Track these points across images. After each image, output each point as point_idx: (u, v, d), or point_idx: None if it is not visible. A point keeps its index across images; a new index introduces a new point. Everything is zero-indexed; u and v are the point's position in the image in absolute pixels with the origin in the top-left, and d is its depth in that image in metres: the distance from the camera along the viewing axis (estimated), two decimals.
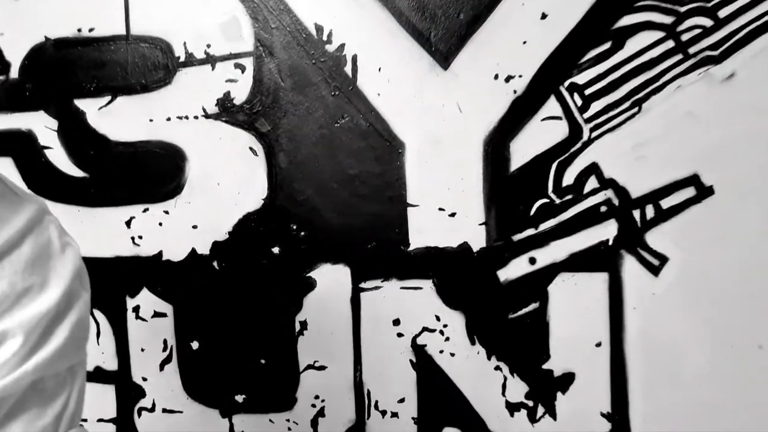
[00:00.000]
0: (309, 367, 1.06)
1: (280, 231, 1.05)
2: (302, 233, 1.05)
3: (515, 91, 1.01)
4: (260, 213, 1.05)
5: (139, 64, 1.06)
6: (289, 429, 1.07)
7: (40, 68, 1.11)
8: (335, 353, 1.06)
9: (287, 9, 1.04)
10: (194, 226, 1.08)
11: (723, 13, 0.97)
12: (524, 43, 1.01)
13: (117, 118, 1.08)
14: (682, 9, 0.98)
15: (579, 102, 1.00)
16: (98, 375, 1.16)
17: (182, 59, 1.06)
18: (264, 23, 1.04)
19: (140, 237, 1.11)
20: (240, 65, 1.04)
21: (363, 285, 1.04)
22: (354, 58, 1.03)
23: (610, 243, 1.01)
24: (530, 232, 1.02)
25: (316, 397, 1.06)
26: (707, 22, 0.98)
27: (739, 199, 0.98)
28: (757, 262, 0.98)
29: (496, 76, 1.01)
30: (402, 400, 1.05)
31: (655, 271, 1.00)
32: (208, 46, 1.05)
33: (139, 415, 1.16)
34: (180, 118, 1.05)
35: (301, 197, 1.04)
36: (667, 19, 0.98)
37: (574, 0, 1.00)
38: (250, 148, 1.05)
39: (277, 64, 1.04)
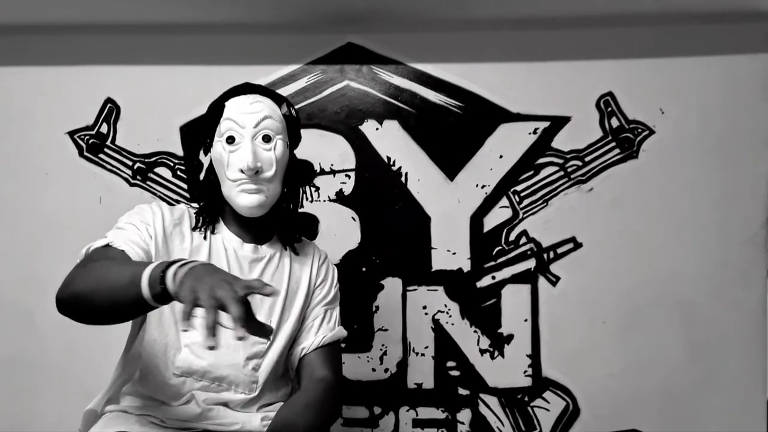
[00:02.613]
0: (379, 329, 2.08)
1: (366, 259, 2.07)
2: (377, 260, 2.08)
3: (486, 193, 2.05)
4: (357, 250, 2.08)
5: (300, 174, 2.09)
6: (368, 360, 2.08)
7: None
8: (393, 323, 2.08)
9: (371, 147, 2.07)
10: None
11: (588, 158, 2.01)
12: (491, 169, 2.05)
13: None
14: (567, 155, 2.02)
15: (517, 200, 2.04)
16: None
17: (318, 170, 2.09)
18: (360, 154, 2.07)
19: None
20: (348, 175, 2.08)
21: (408, 288, 2.07)
22: (406, 174, 2.06)
23: (532, 270, 2.04)
24: (492, 263, 2.05)
25: (383, 345, 2.08)
26: (579, 163, 2.01)
27: (596, 250, 2.01)
28: (605, 281, 2.01)
29: (476, 185, 2.05)
30: (426, 347, 2.07)
31: (553, 284, 2.03)
32: (332, 164, 2.08)
33: None
34: (318, 200, 2.08)
35: (377, 243, 2.07)
36: (560, 161, 2.02)
37: (516, 149, 2.04)
38: (352, 217, 2.08)
39: (367, 176, 2.07)
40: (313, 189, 2.08)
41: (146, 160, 2.09)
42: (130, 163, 2.10)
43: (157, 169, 2.09)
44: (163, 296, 1.01)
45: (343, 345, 1.51)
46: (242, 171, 1.30)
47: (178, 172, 2.09)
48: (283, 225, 1.46)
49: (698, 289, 2.02)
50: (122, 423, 1.28)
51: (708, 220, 2.02)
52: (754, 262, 2.00)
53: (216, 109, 1.38)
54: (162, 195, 2.09)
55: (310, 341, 1.42)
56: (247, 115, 1.33)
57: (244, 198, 1.32)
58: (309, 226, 2.08)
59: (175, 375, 1.30)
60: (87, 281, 1.10)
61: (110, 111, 2.10)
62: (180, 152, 2.09)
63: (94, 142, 2.10)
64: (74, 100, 2.10)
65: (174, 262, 1.02)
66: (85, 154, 2.10)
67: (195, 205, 1.45)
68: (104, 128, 2.10)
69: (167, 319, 1.31)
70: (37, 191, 2.10)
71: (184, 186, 2.09)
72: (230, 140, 1.32)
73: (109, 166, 2.10)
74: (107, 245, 1.24)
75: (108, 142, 2.10)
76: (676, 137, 2.02)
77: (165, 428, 1.28)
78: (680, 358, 2.02)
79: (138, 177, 2.09)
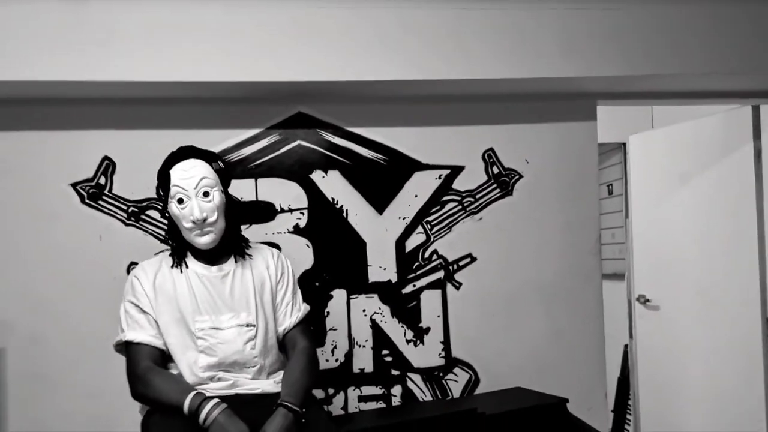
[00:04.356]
0: (330, 329, 2.72)
1: (318, 276, 2.71)
2: (327, 277, 2.72)
3: (406, 223, 2.76)
4: (311, 270, 2.71)
5: (264, 213, 2.70)
6: (322, 353, 2.70)
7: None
8: (340, 324, 2.73)
9: (319, 191, 2.72)
10: None
11: (478, 196, 2.78)
12: (409, 205, 2.77)
13: (257, 231, 2.70)
14: (463, 194, 2.78)
15: (429, 227, 2.77)
16: None
17: (278, 209, 2.71)
18: (311, 196, 2.72)
19: None
20: (302, 212, 2.72)
21: (351, 296, 2.73)
22: (346, 210, 2.74)
23: (441, 279, 2.78)
24: (413, 275, 2.77)
25: (333, 341, 2.72)
26: (472, 199, 2.78)
27: (487, 262, 2.78)
28: (494, 285, 2.78)
29: (399, 217, 2.76)
30: (366, 341, 2.74)
31: (457, 288, 2.78)
32: (289, 204, 2.71)
33: None
34: (279, 233, 2.70)
35: (326, 263, 2.72)
36: (458, 198, 2.78)
37: (426, 190, 2.77)
38: (306, 245, 2.72)
39: (316, 213, 2.72)
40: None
41: (138, 205, 2.62)
42: (125, 208, 2.62)
43: (148, 212, 2.63)
44: (195, 417, 1.70)
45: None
46: (194, 222, 1.88)
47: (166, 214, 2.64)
48: (233, 244, 2.02)
49: (555, 288, 2.83)
50: None
51: (560, 238, 2.84)
52: (593, 267, 2.85)
53: (164, 177, 1.91)
54: (152, 232, 2.62)
55: (288, 322, 2.03)
56: (188, 180, 1.87)
57: (199, 239, 1.90)
58: (266, 212, 2.67)
59: (202, 370, 1.87)
60: (147, 398, 1.81)
61: (107, 166, 2.61)
62: None
63: (94, 191, 2.60)
64: (77, 158, 2.59)
65: (202, 401, 1.72)
66: (87, 201, 2.60)
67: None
68: (102, 180, 2.61)
69: (184, 341, 1.88)
70: (47, 231, 2.57)
71: None
72: (180, 201, 1.89)
73: (107, 211, 2.61)
74: (137, 343, 1.86)
75: (106, 191, 2.61)
76: (537, 180, 2.83)
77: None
78: (545, 338, 2.81)
79: (132, 218, 2.62)
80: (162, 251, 2.14)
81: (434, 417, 2.23)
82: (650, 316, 3.66)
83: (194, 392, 1.74)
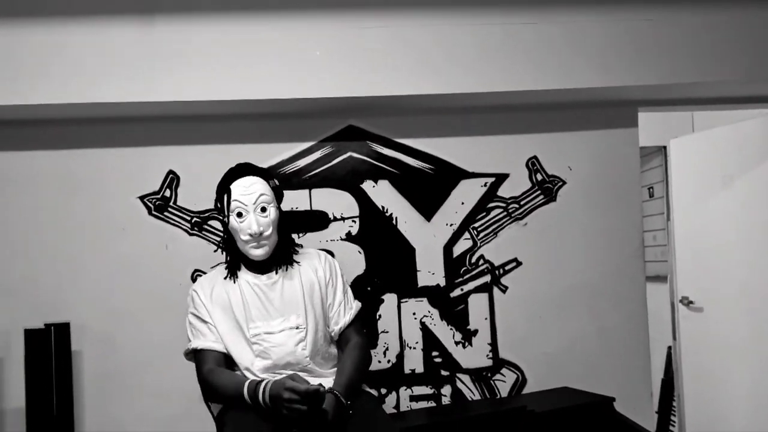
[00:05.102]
0: (382, 332, 2.85)
1: (370, 281, 2.84)
2: (378, 282, 2.85)
3: (453, 229, 2.88)
4: (363, 275, 2.84)
5: (318, 221, 2.84)
6: (375, 354, 2.83)
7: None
8: (391, 326, 2.85)
9: (370, 200, 2.86)
10: None
11: (522, 202, 2.89)
12: (456, 212, 2.88)
13: (312, 239, 2.84)
14: (508, 200, 2.89)
15: (475, 233, 2.88)
16: None
17: (332, 218, 2.85)
18: (362, 205, 2.85)
19: None
20: (354, 220, 2.85)
21: (401, 300, 2.86)
22: (396, 218, 2.86)
23: (488, 283, 2.88)
24: (460, 279, 2.88)
25: (385, 343, 2.85)
26: (517, 206, 2.89)
27: (532, 266, 2.88)
28: (539, 288, 2.87)
29: (446, 224, 2.88)
30: (417, 342, 2.86)
31: (503, 292, 2.88)
32: (342, 213, 2.85)
33: None
34: (333, 240, 2.84)
35: (377, 269, 2.85)
36: (503, 205, 2.89)
37: (472, 197, 2.88)
38: (358, 251, 2.85)
39: (368, 221, 2.85)
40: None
41: (201, 216, 2.79)
42: (189, 218, 2.79)
43: (210, 222, 2.79)
44: (255, 401, 1.84)
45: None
46: (251, 235, 2.02)
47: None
48: (283, 254, 2.14)
49: (600, 290, 2.91)
50: None
51: (604, 242, 2.92)
52: (637, 269, 2.93)
53: (225, 191, 2.06)
54: (214, 241, 2.78)
55: (343, 321, 2.15)
56: (248, 196, 2.02)
57: (254, 252, 2.03)
58: (319, 220, 2.81)
59: (259, 372, 2.01)
60: (213, 396, 1.99)
61: (172, 180, 2.79)
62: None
63: (160, 203, 2.78)
64: (144, 173, 2.77)
65: (257, 384, 1.85)
66: (153, 212, 2.77)
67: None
68: (168, 193, 2.78)
69: (241, 347, 2.03)
70: (117, 242, 2.75)
71: None
72: (239, 215, 2.04)
73: (172, 221, 2.78)
74: (201, 350, 2.01)
75: (171, 203, 2.78)
76: (580, 186, 2.92)
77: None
78: (590, 339, 2.90)
79: (195, 228, 2.79)
80: (218, 264, 2.28)
81: (484, 415, 2.34)
82: (694, 318, 3.70)
83: (249, 380, 1.89)
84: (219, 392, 1.94)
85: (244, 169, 2.11)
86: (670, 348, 4.43)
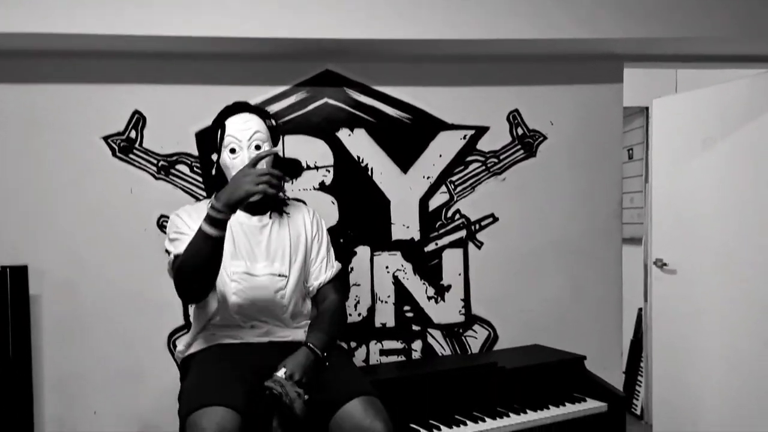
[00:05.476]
0: (354, 284, 2.79)
1: (343, 233, 2.77)
2: (351, 234, 2.78)
3: (430, 182, 2.80)
4: (336, 226, 2.76)
5: (291, 169, 2.74)
6: (346, 308, 2.78)
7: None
8: (363, 280, 2.79)
9: (345, 149, 2.76)
10: None
11: (502, 157, 2.81)
12: (433, 164, 2.80)
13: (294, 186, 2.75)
14: (487, 154, 2.81)
15: (452, 187, 2.81)
16: None
17: (305, 166, 2.75)
18: (337, 154, 2.76)
19: None
20: (328, 170, 2.76)
21: (374, 253, 2.79)
22: (371, 169, 2.78)
23: (463, 238, 2.83)
24: (435, 233, 2.82)
25: (356, 296, 2.79)
26: (496, 160, 2.81)
27: (509, 222, 2.82)
28: (515, 244, 2.82)
29: (423, 176, 2.80)
30: (389, 296, 2.80)
31: (479, 247, 2.83)
32: (316, 162, 2.75)
33: None
34: (305, 189, 2.75)
35: (351, 220, 2.77)
36: (482, 159, 2.81)
37: (451, 150, 2.80)
38: (332, 202, 2.76)
39: (342, 170, 2.76)
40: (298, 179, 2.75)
41: (168, 159, 2.67)
42: (155, 162, 2.67)
43: (178, 166, 2.68)
44: (216, 220, 1.73)
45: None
46: None
47: (195, 168, 2.68)
48: (275, 199, 2.06)
49: (577, 248, 2.88)
50: (215, 339, 1.94)
51: (583, 200, 2.87)
52: (614, 230, 2.89)
53: (219, 126, 2.01)
54: (182, 186, 2.67)
55: (323, 277, 2.10)
56: (243, 131, 1.98)
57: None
58: (292, 168, 2.72)
59: (234, 313, 1.95)
60: (186, 273, 1.82)
61: (138, 120, 2.65)
62: (195, 152, 2.68)
63: (125, 145, 2.65)
64: (108, 112, 2.63)
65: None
66: (118, 154, 2.64)
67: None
68: (133, 134, 2.65)
69: (220, 281, 1.94)
70: (79, 183, 2.62)
71: (200, 179, 2.68)
72: (232, 151, 1.98)
73: (137, 164, 2.66)
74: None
75: (136, 145, 2.66)
76: (561, 141, 2.86)
77: (241, 344, 1.94)
78: (564, 298, 2.88)
79: (162, 172, 2.67)
80: (203, 199, 2.20)
81: (454, 370, 2.30)
82: (667, 280, 3.70)
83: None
84: (187, 261, 1.80)
85: (241, 106, 2.07)
86: (640, 310, 4.46)
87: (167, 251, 1.99)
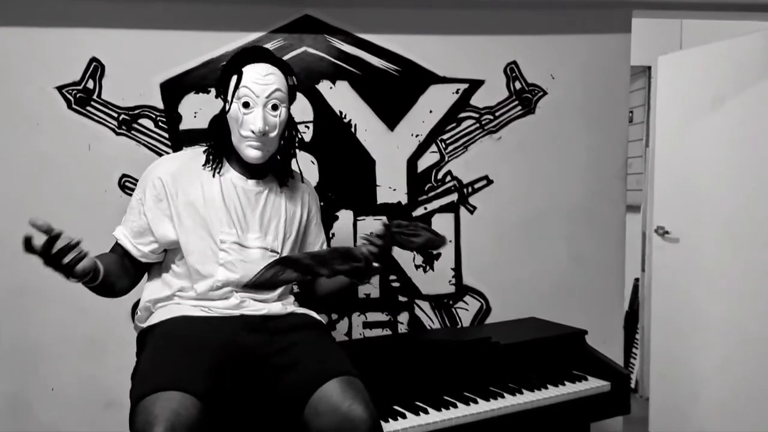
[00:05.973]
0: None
1: (323, 195, 2.53)
2: (332, 196, 2.55)
3: (419, 141, 2.57)
4: (315, 188, 2.51)
5: None
6: None
7: None
8: (346, 242, 2.57)
9: (326, 103, 2.51)
10: None
11: (497, 113, 2.57)
12: (423, 121, 2.56)
13: None
14: (482, 110, 2.57)
15: (443, 146, 2.57)
16: None
17: None
18: (318, 109, 2.51)
19: None
20: (308, 126, 2.51)
21: (358, 218, 2.56)
22: (355, 125, 2.53)
23: (455, 202, 2.60)
24: (424, 197, 2.59)
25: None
26: (491, 117, 2.58)
27: (504, 185, 2.60)
28: (510, 209, 2.60)
29: (412, 134, 2.56)
30: None
31: (471, 212, 2.61)
32: (294, 117, 2.50)
33: None
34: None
35: (332, 182, 2.54)
36: (476, 115, 2.57)
37: (442, 105, 2.56)
38: (311, 161, 2.53)
39: (323, 126, 2.52)
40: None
41: (130, 113, 2.41)
42: (116, 115, 2.41)
43: (141, 121, 2.42)
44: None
45: None
46: (252, 132, 1.70)
47: (160, 123, 2.43)
48: (279, 168, 1.87)
49: (577, 214, 2.67)
50: (180, 310, 1.71)
51: (586, 160, 2.65)
52: (618, 193, 2.68)
53: (234, 72, 1.73)
54: (146, 143, 2.42)
55: None
56: (262, 86, 1.70)
57: (251, 151, 1.72)
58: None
59: (217, 286, 1.72)
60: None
61: (95, 68, 2.39)
62: (161, 105, 2.42)
63: (82, 96, 2.39)
64: (62, 59, 2.36)
65: None
66: (74, 106, 2.38)
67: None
68: (90, 84, 2.39)
69: (204, 252, 1.72)
70: (31, 138, 2.36)
71: (165, 135, 2.43)
72: (246, 105, 1.71)
73: (96, 118, 2.40)
74: (116, 243, 1.80)
75: (94, 96, 2.40)
76: (563, 97, 2.62)
77: (211, 316, 1.72)
78: (563, 265, 2.68)
79: (123, 127, 2.41)
80: (191, 147, 1.97)
81: (444, 345, 2.10)
82: (668, 249, 3.51)
83: None
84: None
85: (262, 54, 1.78)
86: (637, 280, 4.28)
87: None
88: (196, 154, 1.84)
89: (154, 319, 1.75)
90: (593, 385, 2.06)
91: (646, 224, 3.97)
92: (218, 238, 1.72)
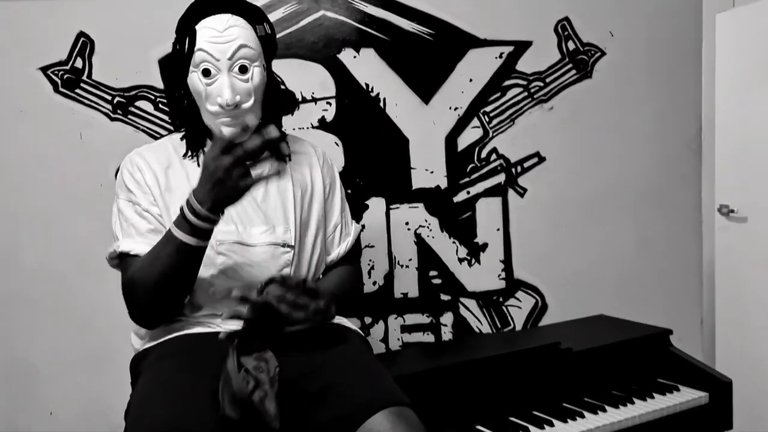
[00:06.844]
0: (366, 246, 2.23)
1: (350, 181, 2.20)
2: (361, 183, 2.21)
3: (459, 114, 2.22)
4: (341, 174, 2.17)
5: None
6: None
7: None
8: (378, 240, 2.24)
9: (350, 75, 2.18)
10: None
11: (548, 80, 2.22)
12: (462, 92, 2.21)
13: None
14: (530, 76, 2.22)
15: (487, 120, 2.23)
16: None
17: (300, 99, 2.17)
18: (340, 82, 2.17)
19: None
20: (329, 102, 2.18)
21: (391, 206, 2.23)
22: (384, 99, 2.19)
23: (502, 184, 2.25)
24: (467, 179, 2.25)
25: (370, 260, 2.24)
26: (541, 84, 2.22)
27: (558, 162, 2.24)
28: (566, 190, 2.25)
29: (450, 107, 2.21)
30: (410, 260, 2.25)
31: (521, 195, 2.26)
32: (313, 92, 2.17)
33: None
34: (301, 128, 2.18)
35: (360, 166, 2.20)
36: (524, 83, 2.22)
37: (484, 72, 2.21)
38: (335, 143, 2.19)
39: (347, 102, 2.18)
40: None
41: (126, 94, 2.09)
42: (110, 98, 2.09)
43: (138, 103, 2.10)
44: (196, 228, 1.20)
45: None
46: (221, 106, 1.34)
47: (160, 105, 2.11)
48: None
49: (645, 191, 2.32)
50: (176, 329, 1.39)
51: (652, 131, 2.31)
52: (691, 166, 2.32)
53: (186, 33, 1.38)
54: (145, 128, 2.10)
55: (336, 252, 1.57)
56: (221, 45, 1.34)
57: (226, 130, 1.35)
58: (285, 102, 2.15)
59: (219, 300, 1.37)
60: (139, 296, 1.30)
61: (84, 45, 2.07)
62: (160, 84, 2.10)
63: (70, 77, 2.07)
64: (44, 35, 2.05)
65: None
66: (61, 89, 2.07)
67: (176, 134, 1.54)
68: (79, 63, 2.07)
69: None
70: (13, 128, 2.05)
71: (167, 119, 2.11)
72: (206, 73, 1.35)
73: (87, 102, 2.08)
74: (134, 255, 1.34)
75: (84, 77, 2.08)
76: (624, 58, 2.27)
77: (210, 334, 1.38)
78: (631, 251, 2.33)
79: (119, 111, 2.10)
80: (169, 134, 1.63)
81: (505, 355, 1.75)
82: (734, 230, 3.13)
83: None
84: (152, 275, 1.26)
85: (221, 1, 1.38)
86: None
87: (114, 235, 1.42)
88: (175, 142, 1.51)
89: (148, 341, 1.42)
90: (688, 397, 1.71)
91: (705, 201, 3.59)
92: (215, 239, 1.34)
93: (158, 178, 1.41)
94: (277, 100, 1.53)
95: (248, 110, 1.38)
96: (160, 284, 1.26)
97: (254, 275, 1.38)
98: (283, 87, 2.10)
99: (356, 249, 1.65)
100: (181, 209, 1.21)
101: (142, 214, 1.38)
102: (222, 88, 1.34)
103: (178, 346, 1.34)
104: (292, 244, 1.44)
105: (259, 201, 1.44)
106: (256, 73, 1.39)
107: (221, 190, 1.16)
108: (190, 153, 1.46)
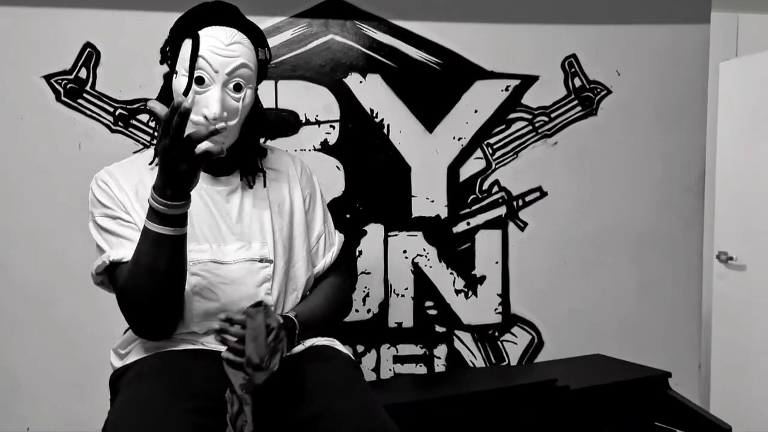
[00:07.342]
0: (362, 272, 2.20)
1: (350, 206, 2.18)
2: (360, 208, 2.18)
3: (462, 145, 2.20)
4: (341, 198, 2.17)
5: (285, 124, 2.15)
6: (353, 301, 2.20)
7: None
8: (375, 267, 2.20)
9: (355, 100, 2.17)
10: None
11: (553, 115, 2.21)
12: (467, 122, 2.20)
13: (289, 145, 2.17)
14: (535, 111, 2.21)
15: (490, 151, 2.21)
16: None
17: (303, 120, 2.16)
18: (345, 106, 2.16)
19: None
20: (332, 125, 2.16)
21: (389, 233, 2.20)
22: (387, 126, 2.18)
23: (502, 216, 2.23)
24: (467, 210, 2.22)
25: (365, 287, 2.20)
26: (546, 119, 2.21)
27: (560, 198, 2.22)
28: (567, 226, 2.22)
29: (454, 137, 2.20)
30: (406, 288, 2.21)
31: (522, 229, 2.23)
32: (317, 115, 2.16)
33: None
34: (303, 150, 2.16)
35: (360, 191, 2.18)
36: (528, 116, 2.21)
37: (489, 104, 2.20)
38: (336, 166, 2.17)
39: (350, 127, 2.17)
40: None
41: (128, 107, 2.08)
42: (112, 110, 2.07)
43: (140, 116, 2.09)
44: (165, 216, 1.18)
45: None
46: (205, 117, 1.28)
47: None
48: (245, 156, 1.45)
49: (647, 232, 2.29)
50: (158, 346, 1.34)
51: (655, 172, 2.29)
52: (694, 209, 2.30)
53: (188, 34, 1.32)
54: (145, 142, 2.08)
55: (321, 263, 1.53)
56: (223, 59, 1.30)
57: (204, 144, 1.21)
58: (287, 123, 2.14)
59: (196, 323, 1.34)
60: (137, 297, 1.24)
61: (89, 56, 2.06)
62: None
63: (73, 87, 2.05)
64: (50, 44, 2.04)
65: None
66: (63, 99, 2.05)
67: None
68: (83, 73, 2.06)
69: None
70: (13, 135, 2.03)
71: None
72: (199, 82, 1.30)
73: (88, 112, 2.07)
74: (126, 263, 1.28)
75: (87, 88, 2.06)
76: (630, 97, 2.26)
77: (194, 351, 1.34)
78: (629, 292, 2.29)
79: (120, 123, 2.08)
80: (141, 149, 1.59)
81: (499, 390, 1.71)
82: (732, 277, 3.11)
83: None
84: (135, 276, 1.22)
85: (228, 13, 1.35)
86: None
87: (99, 248, 1.35)
88: (145, 158, 1.46)
89: (128, 358, 1.37)
90: None
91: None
92: (189, 260, 1.29)
93: (127, 192, 1.35)
94: (258, 125, 1.48)
95: (231, 129, 1.33)
96: (150, 281, 1.20)
97: (229, 294, 1.33)
98: (284, 109, 2.10)
99: (341, 259, 1.60)
100: (149, 201, 1.18)
101: (122, 224, 1.33)
102: (211, 101, 1.29)
103: (157, 363, 1.29)
104: (271, 258, 1.40)
105: (234, 219, 1.40)
106: (248, 94, 1.36)
107: (171, 171, 1.13)
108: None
